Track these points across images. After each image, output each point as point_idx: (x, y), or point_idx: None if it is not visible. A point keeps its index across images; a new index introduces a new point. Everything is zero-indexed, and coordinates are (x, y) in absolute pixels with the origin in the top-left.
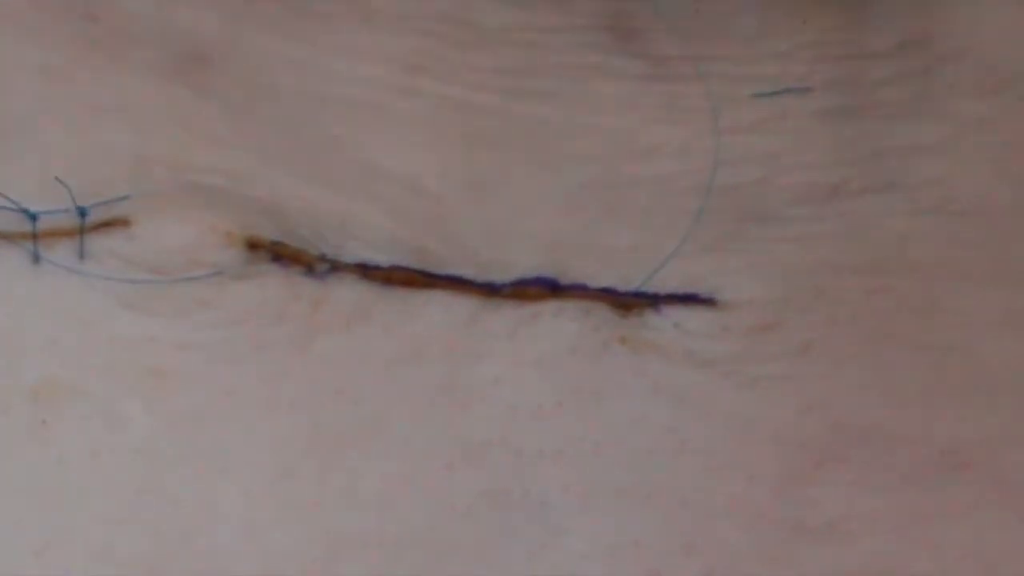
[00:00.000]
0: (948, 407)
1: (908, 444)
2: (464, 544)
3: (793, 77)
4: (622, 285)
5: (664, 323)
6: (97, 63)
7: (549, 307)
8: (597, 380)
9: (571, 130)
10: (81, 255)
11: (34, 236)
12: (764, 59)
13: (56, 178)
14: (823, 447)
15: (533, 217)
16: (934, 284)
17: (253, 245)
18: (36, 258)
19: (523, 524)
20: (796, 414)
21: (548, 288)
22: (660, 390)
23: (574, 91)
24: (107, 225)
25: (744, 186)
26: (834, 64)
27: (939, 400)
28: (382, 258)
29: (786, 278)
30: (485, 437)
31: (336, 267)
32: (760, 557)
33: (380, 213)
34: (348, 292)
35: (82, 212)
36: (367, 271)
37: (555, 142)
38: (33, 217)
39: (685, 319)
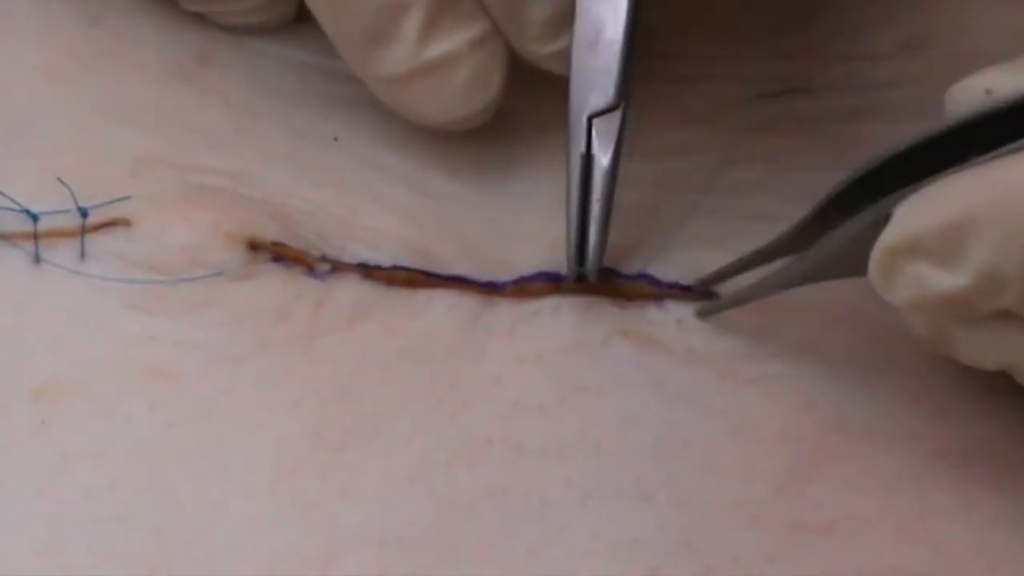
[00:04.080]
0: (948, 405)
1: (908, 442)
2: (465, 542)
3: (796, 78)
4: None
5: (666, 319)
6: (99, 64)
7: (550, 303)
8: (598, 377)
9: None
10: (82, 256)
11: (35, 237)
12: (767, 60)
13: (58, 179)
14: (824, 445)
15: (535, 215)
16: None
17: (254, 245)
18: (37, 259)
19: (524, 522)
20: (797, 412)
21: (551, 282)
22: (661, 387)
23: None
24: (108, 225)
25: (747, 185)
26: (836, 65)
27: (939, 398)
28: (384, 258)
29: None
30: (486, 435)
31: (337, 267)
32: (760, 555)
33: (382, 213)
34: (350, 292)
35: (83, 213)
36: (369, 271)
37: (557, 141)
38: (34, 218)
39: (686, 316)
